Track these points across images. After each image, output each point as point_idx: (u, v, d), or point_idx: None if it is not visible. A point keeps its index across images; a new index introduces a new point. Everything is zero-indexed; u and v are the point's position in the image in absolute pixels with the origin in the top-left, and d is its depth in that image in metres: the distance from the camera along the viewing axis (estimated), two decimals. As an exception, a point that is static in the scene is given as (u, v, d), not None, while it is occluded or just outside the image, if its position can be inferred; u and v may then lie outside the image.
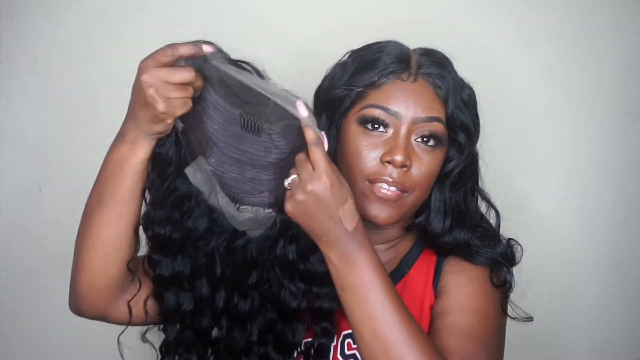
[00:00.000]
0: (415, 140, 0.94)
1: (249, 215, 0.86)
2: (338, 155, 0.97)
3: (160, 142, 0.85)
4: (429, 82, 0.95)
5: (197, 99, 0.81)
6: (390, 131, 0.93)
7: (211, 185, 0.85)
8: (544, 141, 1.41)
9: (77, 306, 0.93)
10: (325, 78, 1.02)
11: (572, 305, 1.43)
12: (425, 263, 1.01)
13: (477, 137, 1.00)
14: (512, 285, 0.99)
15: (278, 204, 0.84)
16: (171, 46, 0.80)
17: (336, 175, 0.81)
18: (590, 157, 1.41)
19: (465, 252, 0.99)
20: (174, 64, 0.80)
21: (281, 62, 1.32)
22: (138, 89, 0.79)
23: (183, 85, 0.79)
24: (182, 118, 0.82)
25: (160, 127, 0.81)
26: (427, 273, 1.00)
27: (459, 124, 0.96)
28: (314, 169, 0.80)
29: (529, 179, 1.41)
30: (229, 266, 0.90)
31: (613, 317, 1.43)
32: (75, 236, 1.36)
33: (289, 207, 0.81)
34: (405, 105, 0.93)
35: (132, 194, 0.86)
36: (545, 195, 1.42)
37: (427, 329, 0.95)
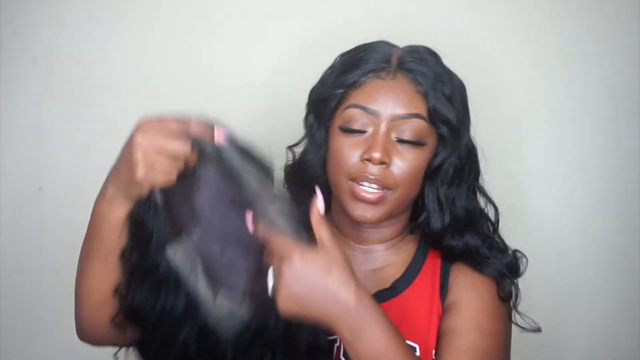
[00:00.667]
0: (396, 137, 0.94)
1: (224, 309, 0.81)
2: (327, 157, 0.98)
3: (137, 205, 0.82)
4: (408, 79, 0.94)
5: (189, 172, 0.79)
6: (371, 129, 0.94)
7: (192, 264, 0.81)
8: (542, 141, 1.41)
9: (83, 337, 0.95)
10: (319, 79, 1.02)
11: (571, 306, 1.43)
12: (430, 269, 1.01)
13: (465, 131, 0.98)
14: (519, 298, 1.00)
15: (254, 300, 0.80)
16: (183, 120, 0.78)
17: (303, 247, 0.78)
18: (589, 157, 1.40)
19: (474, 260, 0.99)
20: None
21: (279, 61, 1.33)
22: (128, 147, 0.77)
23: (174, 157, 0.77)
24: (167, 188, 0.79)
25: (135, 191, 0.79)
26: (433, 279, 1.00)
27: (441, 118, 0.95)
28: (280, 254, 0.78)
29: (527, 179, 1.41)
30: (201, 352, 0.84)
31: (613, 318, 1.43)
32: (74, 236, 1.36)
33: (281, 306, 0.78)
34: (384, 103, 0.93)
35: (116, 248, 0.85)
36: (544, 195, 1.41)
37: (434, 339, 0.95)
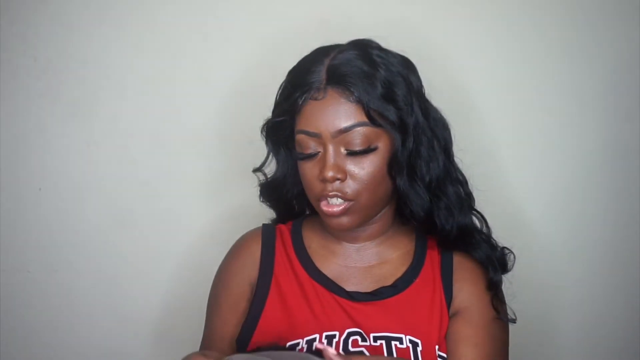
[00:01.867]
0: (345, 150, 0.95)
1: None
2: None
3: None
4: (338, 92, 0.95)
5: None
6: (320, 150, 0.96)
7: None
8: (539, 142, 1.41)
9: None
10: (274, 102, 1.04)
11: (569, 305, 1.43)
12: (430, 267, 1.03)
13: (412, 117, 0.97)
14: (501, 284, 1.04)
15: None
16: None
17: None
18: (584, 154, 1.40)
19: (469, 242, 1.02)
20: None
21: (279, 60, 1.33)
22: None
23: None
24: None
25: None
26: (434, 274, 1.03)
27: (382, 118, 0.95)
28: None
29: (525, 181, 1.41)
30: None
31: (612, 317, 1.43)
32: (74, 236, 1.37)
33: None
34: (322, 122, 0.95)
35: None
36: (541, 198, 1.41)
37: (436, 336, 0.98)
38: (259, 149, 1.12)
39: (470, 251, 1.03)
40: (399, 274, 1.03)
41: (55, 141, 1.37)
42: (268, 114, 1.06)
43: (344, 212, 0.97)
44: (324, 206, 0.97)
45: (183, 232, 1.40)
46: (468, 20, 1.38)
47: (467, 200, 1.04)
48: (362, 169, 0.96)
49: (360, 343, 0.97)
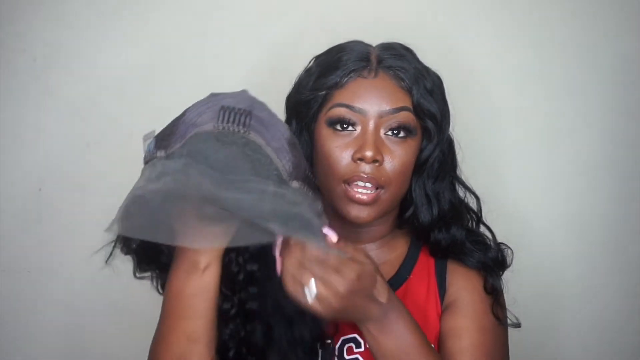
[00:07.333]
0: (385, 134, 0.94)
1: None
2: (314, 160, 0.98)
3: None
4: (390, 75, 0.96)
5: None
6: (359, 128, 0.94)
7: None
8: (538, 141, 1.41)
9: None
10: (294, 85, 1.03)
11: (569, 305, 1.43)
12: (424, 267, 1.02)
13: (447, 124, 1.01)
14: (502, 293, 1.02)
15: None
16: None
17: (357, 262, 0.80)
18: (587, 157, 1.40)
19: (460, 251, 1.01)
20: None
21: (277, 61, 1.33)
22: None
23: None
24: None
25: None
26: (429, 279, 1.01)
27: (426, 112, 0.96)
28: (336, 270, 0.78)
29: (524, 182, 1.41)
30: None
31: (611, 316, 1.43)
32: (74, 236, 1.37)
33: (327, 314, 0.79)
34: (370, 100, 0.94)
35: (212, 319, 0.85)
36: (539, 198, 1.41)
37: (433, 336, 0.96)
38: (259, 150, 1.12)
39: (462, 260, 1.01)
40: (392, 273, 1.01)
41: (55, 141, 1.37)
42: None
43: (372, 201, 0.93)
44: (353, 192, 0.93)
45: (183, 232, 1.40)
46: (472, 21, 1.38)
47: (463, 214, 1.04)
48: (397, 157, 0.94)
49: (355, 350, 0.96)
